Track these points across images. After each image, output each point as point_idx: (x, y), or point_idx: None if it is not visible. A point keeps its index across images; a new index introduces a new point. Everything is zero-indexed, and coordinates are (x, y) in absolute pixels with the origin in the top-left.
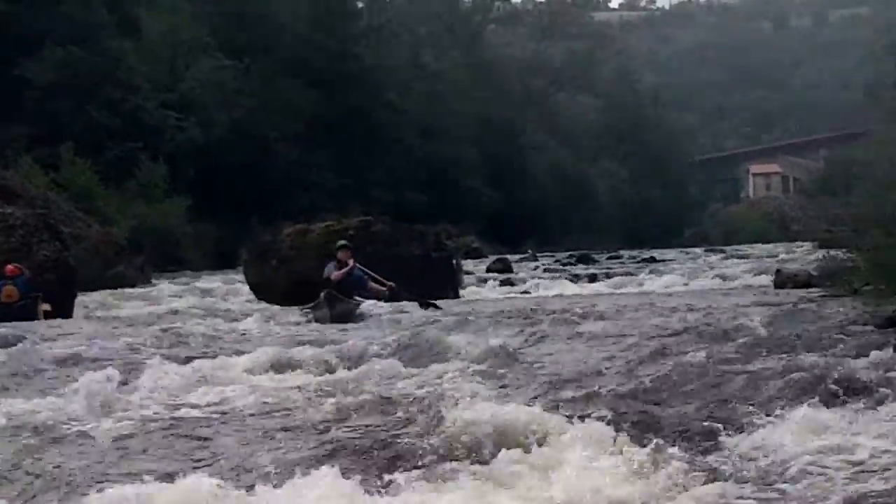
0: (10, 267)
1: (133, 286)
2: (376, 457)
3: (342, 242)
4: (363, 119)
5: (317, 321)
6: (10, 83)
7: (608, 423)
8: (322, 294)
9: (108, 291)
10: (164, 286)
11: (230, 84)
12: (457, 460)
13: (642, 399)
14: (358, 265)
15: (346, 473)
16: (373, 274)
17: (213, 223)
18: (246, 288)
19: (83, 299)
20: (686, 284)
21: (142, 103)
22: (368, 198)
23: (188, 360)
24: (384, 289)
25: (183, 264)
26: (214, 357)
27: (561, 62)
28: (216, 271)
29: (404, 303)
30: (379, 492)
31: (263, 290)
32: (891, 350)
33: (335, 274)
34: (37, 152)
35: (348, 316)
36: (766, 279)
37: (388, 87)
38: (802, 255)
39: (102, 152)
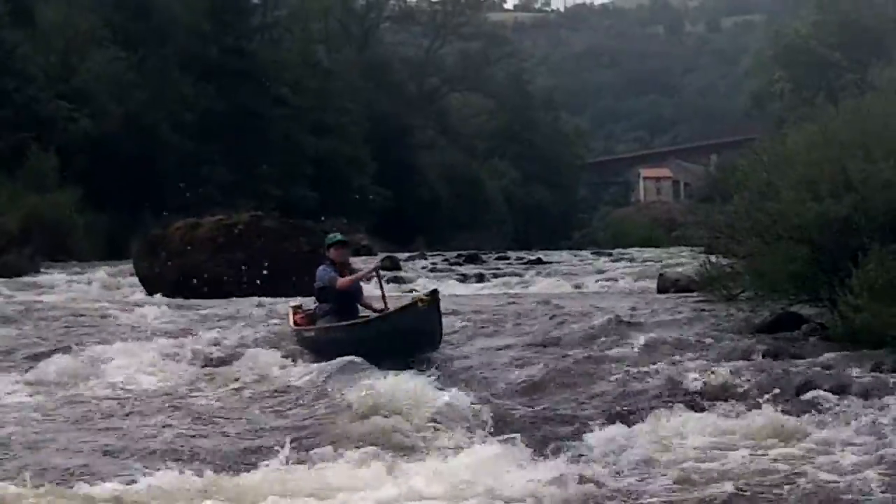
0: None
1: (22, 275)
2: (263, 438)
3: (337, 237)
4: (255, 114)
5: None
6: None
7: (473, 417)
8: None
9: None
10: (53, 276)
11: (124, 76)
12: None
13: (512, 396)
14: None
15: (229, 457)
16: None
17: (104, 215)
18: (135, 280)
19: None
20: (571, 286)
21: (35, 94)
22: (259, 193)
23: (75, 349)
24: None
25: (73, 255)
26: (101, 347)
27: (454, 62)
28: (106, 262)
29: None
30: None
31: (153, 283)
32: (759, 355)
33: (342, 281)
34: None
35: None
36: (650, 283)
37: (281, 83)
38: (688, 260)
39: None
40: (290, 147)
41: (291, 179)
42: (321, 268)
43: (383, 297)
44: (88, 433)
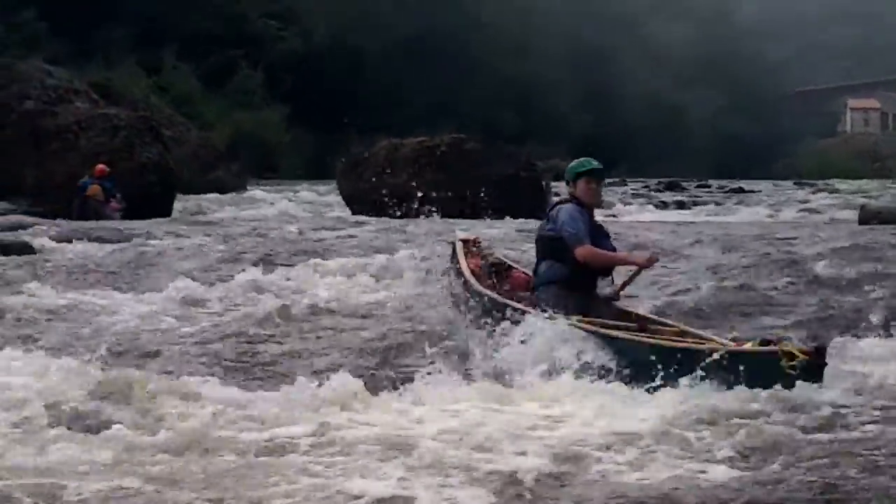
0: (100, 167)
1: (230, 191)
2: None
3: (592, 164)
4: (456, 37)
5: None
6: None
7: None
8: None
9: (206, 195)
10: (259, 193)
11: None
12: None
13: (709, 320)
14: None
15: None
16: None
17: (308, 133)
18: (339, 198)
19: (181, 202)
20: (772, 216)
21: (245, 11)
22: (459, 115)
23: (278, 264)
24: None
25: (278, 172)
26: (305, 263)
27: None
28: (310, 181)
29: None
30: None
31: (356, 202)
32: None
33: (587, 252)
34: (139, 55)
35: None
36: (852, 214)
37: (482, 6)
38: (893, 193)
39: (203, 58)
40: (490, 70)
41: (491, 103)
42: (565, 210)
43: (624, 282)
44: (293, 341)
